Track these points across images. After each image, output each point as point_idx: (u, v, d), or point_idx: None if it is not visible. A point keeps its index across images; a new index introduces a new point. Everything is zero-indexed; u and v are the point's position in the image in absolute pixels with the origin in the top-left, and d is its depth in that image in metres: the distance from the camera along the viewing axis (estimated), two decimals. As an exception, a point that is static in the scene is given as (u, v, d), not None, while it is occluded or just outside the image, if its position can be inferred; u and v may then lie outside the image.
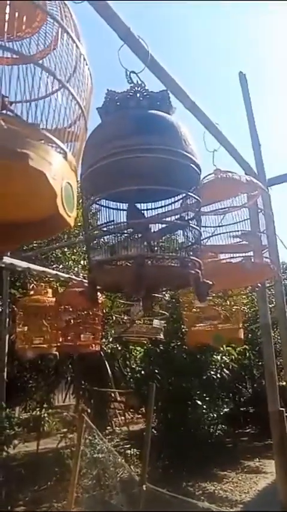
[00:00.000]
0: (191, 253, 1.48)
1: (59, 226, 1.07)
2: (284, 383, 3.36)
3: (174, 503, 3.21)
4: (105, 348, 6.76)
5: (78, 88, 1.07)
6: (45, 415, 8.66)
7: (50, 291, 4.45)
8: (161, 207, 1.73)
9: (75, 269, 6.14)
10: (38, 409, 8.07)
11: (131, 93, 1.57)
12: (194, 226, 1.47)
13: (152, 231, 1.61)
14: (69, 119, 1.05)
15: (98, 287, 1.54)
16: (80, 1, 1.62)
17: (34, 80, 1.03)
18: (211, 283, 1.38)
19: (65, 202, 0.95)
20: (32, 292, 4.44)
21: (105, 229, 1.68)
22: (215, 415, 7.43)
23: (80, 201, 1.60)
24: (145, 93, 1.57)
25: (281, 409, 2.71)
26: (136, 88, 1.58)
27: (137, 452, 6.39)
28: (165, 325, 4.49)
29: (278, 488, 2.53)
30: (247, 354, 8.56)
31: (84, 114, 1.07)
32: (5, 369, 4.77)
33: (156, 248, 1.57)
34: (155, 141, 1.39)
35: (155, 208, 1.74)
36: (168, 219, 1.65)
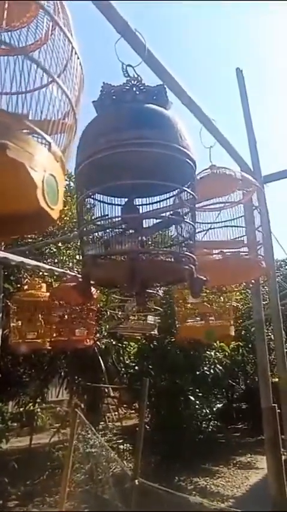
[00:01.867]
0: (186, 248, 1.47)
1: (43, 221, 1.04)
2: (277, 379, 3.38)
3: (166, 498, 3.22)
4: (99, 343, 6.76)
5: (69, 83, 1.06)
6: (39, 410, 8.65)
7: (44, 285, 4.43)
8: (156, 202, 1.72)
9: (70, 264, 6.12)
10: (31, 403, 8.07)
11: (127, 87, 1.56)
12: (189, 221, 1.46)
13: (147, 226, 1.61)
14: (58, 114, 1.04)
15: (92, 282, 1.54)
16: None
17: (22, 73, 1.01)
18: (205, 279, 1.38)
19: (47, 194, 0.91)
20: (26, 287, 4.41)
21: (99, 223, 1.67)
22: (207, 411, 7.48)
23: (75, 195, 1.59)
24: (141, 87, 1.56)
25: (273, 405, 2.72)
26: (132, 82, 1.57)
27: (130, 447, 6.43)
28: (159, 321, 4.49)
29: (269, 484, 2.55)
30: (240, 350, 8.61)
31: (74, 109, 1.06)
32: (-1, 364, 4.75)
33: (150, 243, 1.56)
34: (151, 136, 1.38)
35: (150, 204, 1.73)
36: (163, 214, 1.64)
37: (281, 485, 2.63)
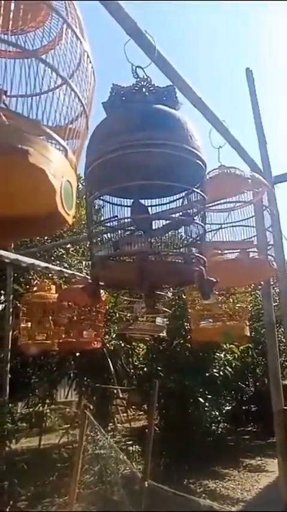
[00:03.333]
0: (196, 249, 1.46)
1: (57, 224, 1.07)
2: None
3: (176, 501, 3.20)
4: (108, 345, 6.76)
5: (81, 85, 1.06)
6: (48, 410, 8.68)
7: (53, 287, 4.45)
8: (166, 203, 1.71)
9: (79, 266, 6.13)
10: (40, 404, 8.10)
11: (136, 88, 1.55)
12: (199, 222, 1.45)
13: (156, 227, 1.60)
14: (70, 116, 1.04)
15: (101, 283, 1.53)
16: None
17: (37, 75, 1.01)
18: (215, 280, 1.36)
19: (64, 200, 0.94)
20: (35, 288, 4.44)
21: (108, 224, 1.67)
22: (217, 413, 7.44)
23: (84, 196, 1.59)
24: (150, 88, 1.55)
25: (285, 408, 2.69)
26: (142, 82, 1.57)
27: (139, 449, 6.42)
28: (168, 322, 4.48)
29: (280, 488, 2.52)
30: (250, 352, 8.55)
31: (86, 111, 1.06)
32: (8, 364, 4.78)
33: (159, 244, 1.55)
34: (161, 137, 1.38)
35: (160, 205, 1.72)
36: (173, 215, 1.64)
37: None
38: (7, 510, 4.73)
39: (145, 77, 1.59)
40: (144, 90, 1.54)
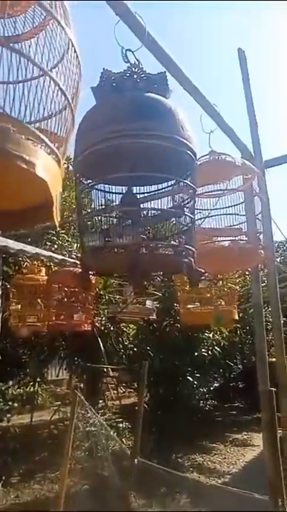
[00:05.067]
0: (185, 240, 1.47)
1: (45, 219, 1.11)
2: (274, 359, 3.46)
3: (164, 476, 3.33)
4: (98, 325, 6.82)
5: (66, 76, 1.03)
6: (39, 389, 8.81)
7: (43, 269, 4.45)
8: (156, 190, 1.70)
9: (70, 249, 6.10)
10: (31, 383, 8.20)
11: (128, 74, 1.52)
12: (188, 214, 1.46)
13: (146, 216, 1.60)
14: (54, 108, 1.01)
15: (91, 272, 1.54)
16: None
17: (10, 64, 0.98)
18: (202, 271, 1.39)
19: (57, 209, 0.98)
20: (25, 271, 4.43)
21: (99, 213, 1.67)
22: (205, 390, 7.63)
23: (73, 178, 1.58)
24: (142, 75, 1.52)
25: (271, 389, 2.77)
26: (133, 69, 1.53)
27: (129, 426, 6.57)
28: (157, 305, 4.52)
29: (266, 465, 2.62)
30: (238, 332, 8.72)
31: (70, 104, 1.03)
32: (-1, 346, 4.81)
33: (150, 234, 1.56)
34: (153, 127, 1.36)
35: (149, 192, 1.72)
36: (162, 203, 1.64)
37: (277, 464, 2.71)
38: (0, 485, 4.85)
39: (136, 62, 1.56)
40: (135, 76, 1.51)
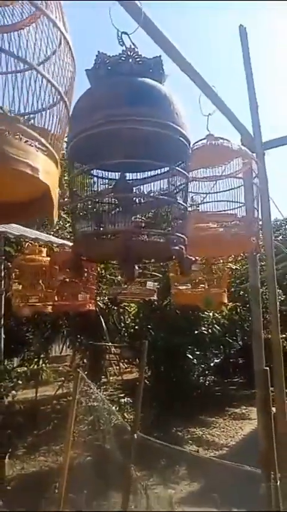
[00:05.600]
0: (177, 228, 1.49)
1: (44, 216, 1.15)
2: (270, 336, 3.56)
3: (163, 450, 3.46)
4: (100, 304, 6.92)
5: (58, 69, 1.03)
6: (43, 365, 9.02)
7: (44, 250, 4.48)
8: (149, 177, 1.71)
9: (70, 231, 6.13)
10: (35, 359, 8.40)
11: (123, 57, 1.51)
12: (181, 202, 1.47)
13: (139, 203, 1.62)
14: (46, 101, 1.02)
15: (83, 258, 1.57)
16: None
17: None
18: (193, 259, 1.42)
19: (56, 209, 1.03)
20: (26, 251, 4.46)
21: (90, 199, 1.68)
22: (205, 367, 7.79)
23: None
24: (137, 59, 1.51)
25: (266, 368, 2.85)
26: (129, 52, 1.52)
27: (131, 401, 6.76)
28: (158, 286, 4.57)
29: (259, 440, 2.72)
30: (238, 310, 8.81)
31: (63, 97, 1.04)
32: (2, 326, 4.91)
33: (142, 222, 1.58)
34: (148, 113, 1.36)
35: (143, 179, 1.72)
36: (155, 189, 1.65)
37: (270, 439, 2.81)
38: (7, 457, 5.05)
39: (132, 45, 1.54)
40: (131, 61, 1.50)
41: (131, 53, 1.52)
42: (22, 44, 1.03)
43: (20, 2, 1.09)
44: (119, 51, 1.55)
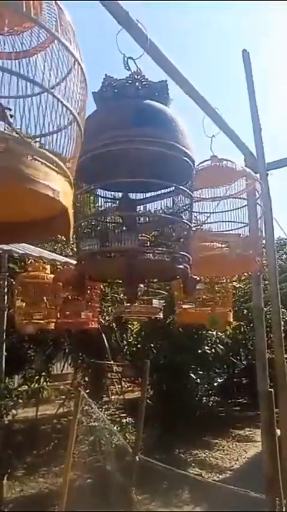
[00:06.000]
0: (182, 247, 1.50)
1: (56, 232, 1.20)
2: (274, 355, 3.51)
3: (165, 473, 3.38)
4: (102, 321, 6.89)
5: (71, 91, 1.06)
6: (44, 384, 8.92)
7: (48, 267, 4.49)
8: (153, 195, 1.73)
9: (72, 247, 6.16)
10: (36, 377, 8.31)
11: (130, 81, 1.55)
12: (186, 221, 1.49)
13: (143, 222, 1.64)
14: (59, 122, 1.05)
15: (86, 277, 1.57)
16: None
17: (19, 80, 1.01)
18: (198, 278, 1.42)
19: (71, 229, 1.06)
20: (30, 268, 4.48)
21: (95, 218, 1.70)
22: (208, 387, 7.67)
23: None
24: (143, 82, 1.55)
25: (270, 390, 2.81)
26: (135, 76, 1.56)
27: (132, 421, 6.65)
28: (164, 304, 4.55)
29: (263, 464, 2.67)
30: (242, 329, 8.74)
31: (76, 117, 1.07)
32: (4, 343, 4.89)
33: (147, 240, 1.59)
34: (154, 134, 1.39)
35: (147, 197, 1.75)
36: (160, 207, 1.67)
37: (275, 463, 2.75)
38: (5, 478, 4.95)
39: (138, 70, 1.59)
40: (137, 84, 1.54)
41: (138, 77, 1.56)
42: (37, 67, 1.06)
43: (34, 28, 1.12)
44: (124, 74, 1.60)
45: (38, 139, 1.08)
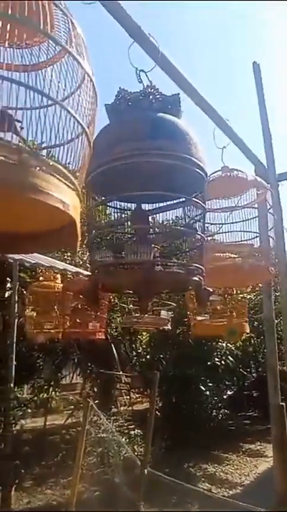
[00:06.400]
0: (195, 259, 1.50)
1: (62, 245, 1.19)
2: (285, 368, 3.45)
3: (174, 487, 3.32)
4: (112, 332, 6.87)
5: (81, 104, 1.07)
6: (53, 393, 8.90)
7: (59, 276, 4.51)
8: (165, 206, 1.73)
9: (84, 258, 6.18)
10: (45, 387, 8.29)
11: (143, 94, 1.56)
12: (199, 233, 1.48)
13: (155, 233, 1.64)
14: (69, 134, 1.06)
15: (99, 287, 1.57)
16: (91, 1, 1.61)
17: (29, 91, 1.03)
18: (211, 290, 1.41)
19: (78, 241, 1.07)
20: (41, 278, 4.50)
21: (109, 230, 1.71)
22: (218, 399, 7.56)
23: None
24: (157, 95, 1.56)
25: (281, 404, 2.76)
26: (149, 89, 1.57)
27: (141, 433, 6.58)
28: (172, 315, 4.53)
29: (275, 479, 2.61)
30: (252, 341, 8.64)
31: (86, 130, 1.07)
32: (14, 353, 4.90)
33: (159, 252, 1.59)
34: (169, 147, 1.40)
35: (159, 208, 1.75)
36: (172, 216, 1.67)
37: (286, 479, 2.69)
38: (13, 489, 4.91)
39: (150, 83, 1.60)
40: (151, 97, 1.55)
41: (151, 90, 1.57)
42: (46, 80, 1.08)
43: (45, 41, 1.14)
44: (131, 85, 1.61)
45: (48, 150, 1.10)
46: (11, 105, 1.02)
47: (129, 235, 1.67)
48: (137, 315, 4.26)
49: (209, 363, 7.24)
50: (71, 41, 1.04)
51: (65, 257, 6.08)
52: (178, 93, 1.60)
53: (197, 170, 1.45)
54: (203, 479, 6.17)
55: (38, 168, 0.89)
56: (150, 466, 3.32)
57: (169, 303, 4.39)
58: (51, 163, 0.93)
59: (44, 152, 1.08)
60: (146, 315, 3.82)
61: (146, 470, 3.13)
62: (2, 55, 1.22)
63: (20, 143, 1.00)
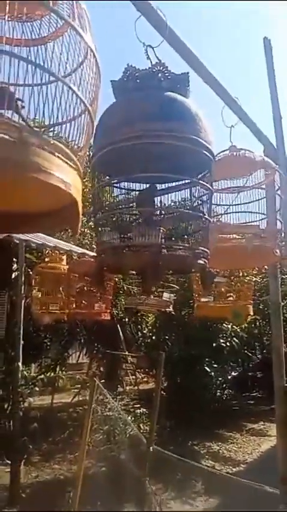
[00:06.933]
0: (200, 241, 1.48)
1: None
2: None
3: (179, 464, 3.39)
4: (117, 313, 6.92)
5: (84, 81, 1.04)
6: (60, 372, 9.05)
7: (64, 257, 4.52)
8: (172, 187, 1.70)
9: (90, 239, 6.17)
10: (52, 366, 8.43)
11: (152, 72, 1.51)
12: (205, 216, 1.45)
13: (161, 215, 1.61)
14: (71, 112, 1.03)
15: (105, 269, 1.56)
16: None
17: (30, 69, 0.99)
18: (215, 273, 1.39)
19: (80, 222, 1.06)
20: (47, 259, 4.51)
21: (116, 211, 1.69)
22: (222, 380, 7.65)
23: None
24: (166, 74, 1.50)
25: (286, 385, 2.77)
26: (158, 67, 1.52)
27: (146, 412, 6.70)
28: (175, 298, 4.53)
29: (277, 458, 2.65)
30: (257, 323, 8.66)
31: (89, 109, 1.04)
32: (21, 332, 4.96)
33: (169, 236, 1.57)
34: (179, 129, 1.35)
35: (165, 189, 1.72)
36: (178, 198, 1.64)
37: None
38: (22, 464, 5.06)
39: (159, 60, 1.55)
40: (160, 75, 1.50)
41: (161, 67, 1.52)
42: (49, 55, 1.05)
43: (47, 15, 1.10)
44: (132, 59, 1.55)
45: (50, 129, 1.07)
46: (11, 82, 1.00)
47: (134, 217, 1.64)
48: (140, 296, 4.28)
49: (214, 345, 7.29)
50: (74, 14, 0.99)
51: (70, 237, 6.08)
52: (187, 72, 1.55)
53: (206, 152, 1.41)
54: (207, 456, 6.31)
55: (39, 147, 0.86)
56: (155, 444, 3.38)
57: (172, 285, 4.39)
58: (52, 142, 0.90)
59: (47, 131, 1.06)
60: (149, 297, 3.83)
61: (151, 448, 3.19)
62: (1, 28, 1.18)
63: (21, 121, 0.97)
